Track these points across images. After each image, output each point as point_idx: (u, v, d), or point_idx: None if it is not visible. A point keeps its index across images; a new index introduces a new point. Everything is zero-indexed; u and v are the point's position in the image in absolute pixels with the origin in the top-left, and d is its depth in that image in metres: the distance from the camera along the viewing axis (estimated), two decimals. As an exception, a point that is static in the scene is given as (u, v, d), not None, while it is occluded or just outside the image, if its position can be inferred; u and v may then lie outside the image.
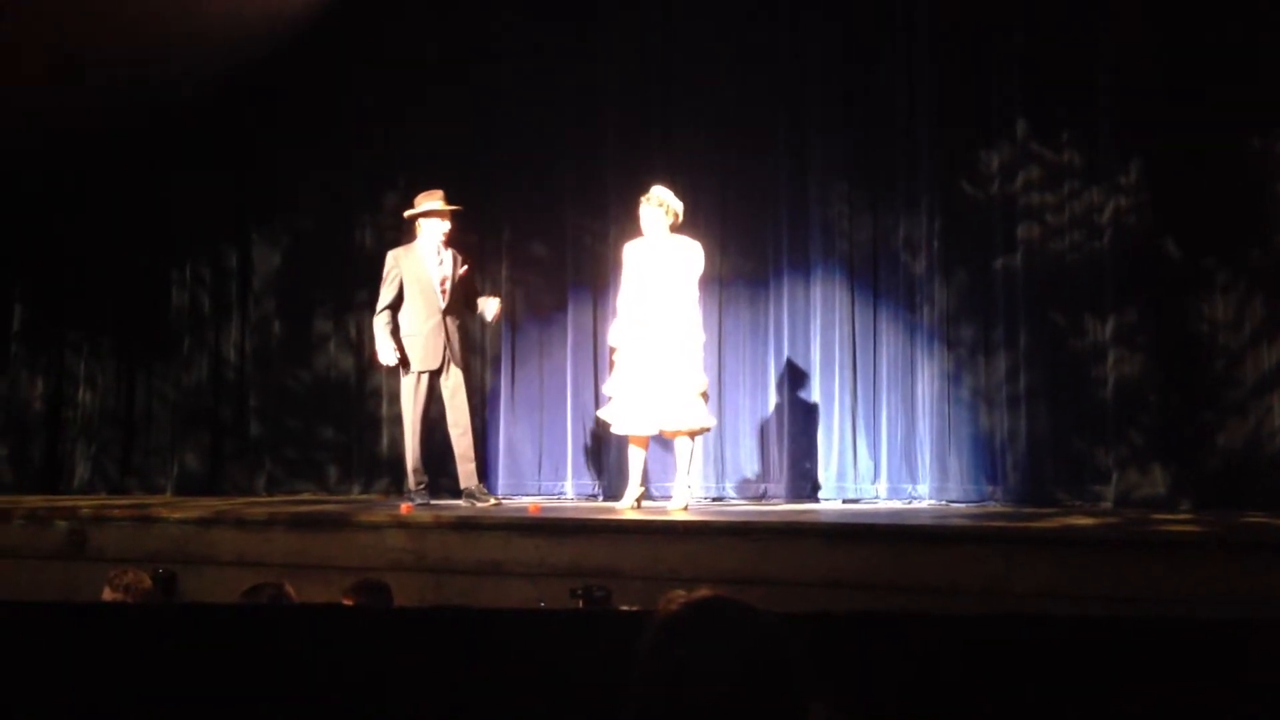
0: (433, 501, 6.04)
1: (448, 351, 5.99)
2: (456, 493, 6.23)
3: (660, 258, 5.77)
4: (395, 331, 6.04)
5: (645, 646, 1.52)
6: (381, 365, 6.23)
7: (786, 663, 1.50)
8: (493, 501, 6.06)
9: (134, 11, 6.55)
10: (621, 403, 5.75)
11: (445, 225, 6.10)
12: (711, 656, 1.47)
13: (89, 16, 6.42)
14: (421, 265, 6.06)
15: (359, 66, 7.71)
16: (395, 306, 6.05)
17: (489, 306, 6.17)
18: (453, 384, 6.01)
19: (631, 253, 5.89)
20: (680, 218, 5.84)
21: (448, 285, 6.05)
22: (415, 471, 6.02)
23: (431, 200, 6.12)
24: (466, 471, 6.04)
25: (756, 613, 1.53)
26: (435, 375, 6.01)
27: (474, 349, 6.92)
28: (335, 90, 7.76)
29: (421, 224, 6.12)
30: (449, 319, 6.02)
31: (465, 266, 6.20)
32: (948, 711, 2.02)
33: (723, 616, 1.52)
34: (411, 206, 6.21)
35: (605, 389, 6.06)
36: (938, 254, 6.48)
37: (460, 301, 6.13)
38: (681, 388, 5.64)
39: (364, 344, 7.67)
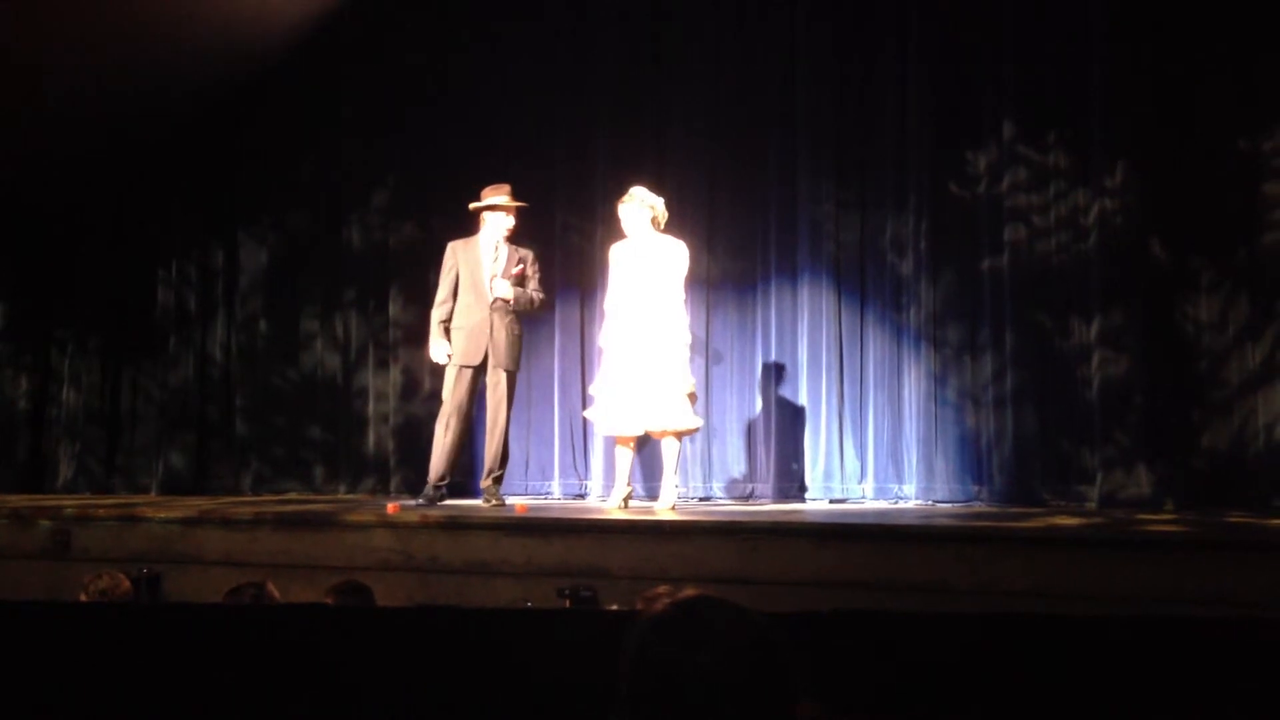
0: (449, 500, 5.99)
1: (490, 349, 5.91)
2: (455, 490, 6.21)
3: (645, 258, 5.77)
4: (449, 327, 5.99)
5: (632, 646, 1.52)
6: (434, 362, 6.14)
7: (774, 662, 1.50)
8: (494, 503, 5.95)
9: (128, 19, 6.52)
10: (607, 403, 5.74)
11: (509, 221, 6.04)
12: (699, 656, 1.47)
13: (84, 19, 6.40)
14: (475, 259, 6.00)
15: (347, 65, 7.69)
16: (453, 300, 5.99)
17: (499, 287, 5.94)
18: (493, 383, 5.95)
19: (617, 254, 5.88)
20: (663, 216, 5.83)
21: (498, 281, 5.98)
22: (435, 467, 5.96)
23: (497, 195, 6.05)
24: (488, 469, 5.99)
25: (744, 612, 1.52)
26: (477, 371, 5.94)
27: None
28: (323, 88, 7.74)
29: (485, 218, 6.06)
30: (496, 315, 5.94)
31: (520, 265, 6.04)
32: (934, 711, 2.02)
33: (710, 616, 1.52)
34: (478, 200, 6.08)
35: (591, 389, 6.05)
36: (925, 255, 6.49)
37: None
38: (667, 388, 5.63)
39: (351, 343, 7.67)
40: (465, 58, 7.46)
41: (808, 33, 6.85)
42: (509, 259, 6.03)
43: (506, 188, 6.09)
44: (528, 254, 6.11)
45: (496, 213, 6.04)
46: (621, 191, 5.96)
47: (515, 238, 6.15)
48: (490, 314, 5.92)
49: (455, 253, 6.05)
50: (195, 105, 7.68)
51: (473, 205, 6.12)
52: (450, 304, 6.00)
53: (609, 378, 5.77)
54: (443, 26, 7.53)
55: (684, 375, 5.73)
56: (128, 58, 6.86)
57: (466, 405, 5.98)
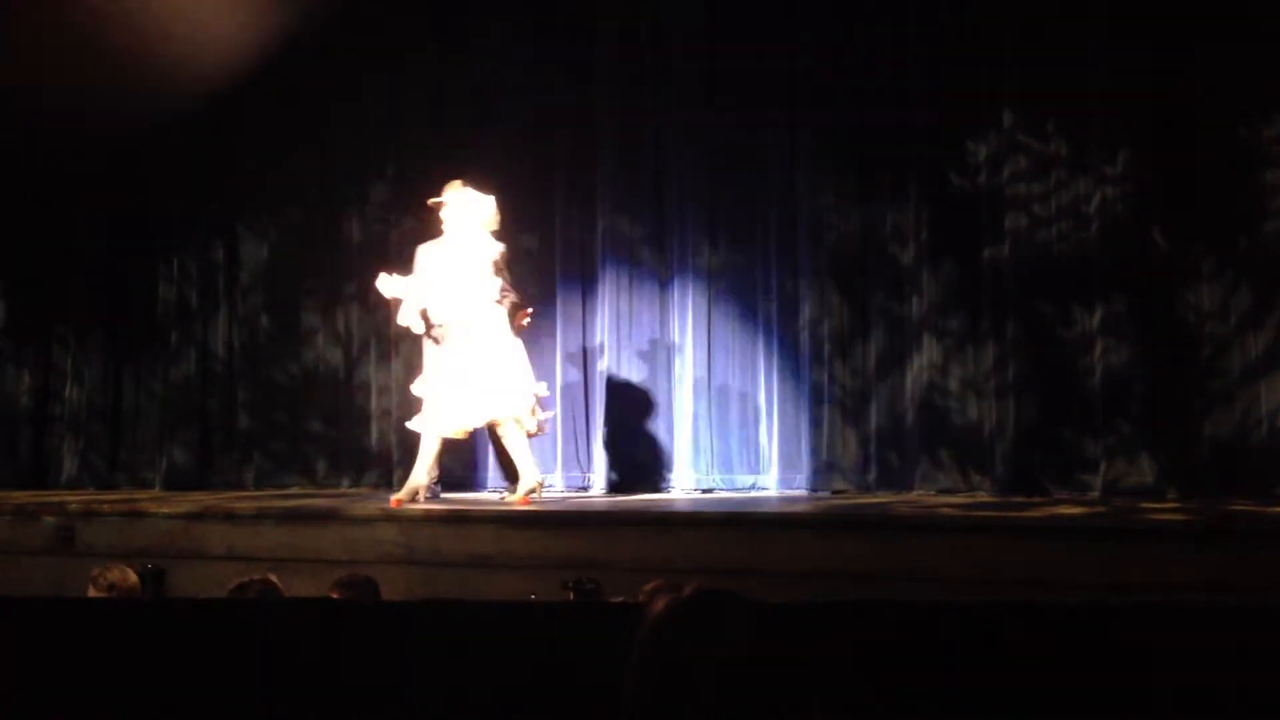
0: (443, 495, 6.00)
1: None
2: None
3: (461, 255, 5.81)
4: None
5: (642, 640, 1.52)
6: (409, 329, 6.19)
7: (784, 655, 1.50)
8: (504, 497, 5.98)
9: (126, 17, 6.53)
10: (441, 404, 5.76)
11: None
12: (710, 650, 1.47)
13: (82, 15, 6.40)
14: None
15: (347, 57, 7.67)
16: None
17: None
18: None
19: (430, 253, 5.91)
20: (490, 217, 5.88)
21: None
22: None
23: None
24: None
25: (753, 606, 1.53)
26: None
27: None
28: (323, 81, 7.72)
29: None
30: None
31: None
32: (939, 700, 2.02)
33: (720, 610, 1.52)
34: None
35: (414, 389, 6.04)
36: (925, 245, 6.48)
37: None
38: (500, 378, 5.69)
39: (353, 337, 7.66)
40: (463, 49, 7.44)
41: (807, 22, 6.83)
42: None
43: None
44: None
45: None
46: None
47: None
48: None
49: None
50: (194, 101, 7.67)
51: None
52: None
53: (439, 379, 5.78)
54: (442, 18, 7.50)
55: (519, 367, 5.82)
56: (127, 54, 6.86)
57: None
